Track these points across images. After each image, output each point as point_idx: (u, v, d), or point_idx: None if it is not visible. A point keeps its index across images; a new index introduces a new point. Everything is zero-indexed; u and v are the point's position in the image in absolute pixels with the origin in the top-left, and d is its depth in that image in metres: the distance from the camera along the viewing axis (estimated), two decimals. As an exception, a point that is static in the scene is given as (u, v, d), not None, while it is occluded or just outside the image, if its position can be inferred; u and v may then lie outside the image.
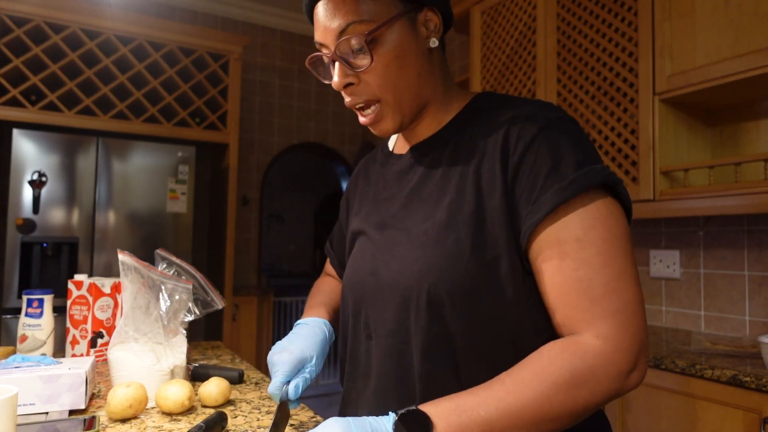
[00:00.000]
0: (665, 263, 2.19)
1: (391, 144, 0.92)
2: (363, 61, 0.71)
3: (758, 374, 1.38)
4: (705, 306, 2.06)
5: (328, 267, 1.07)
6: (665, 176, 1.91)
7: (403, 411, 0.60)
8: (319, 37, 0.74)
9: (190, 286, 1.12)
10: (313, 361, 0.82)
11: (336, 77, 0.73)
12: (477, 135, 0.74)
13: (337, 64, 0.73)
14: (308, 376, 0.81)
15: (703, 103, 1.95)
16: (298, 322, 0.91)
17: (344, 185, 5.03)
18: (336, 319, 0.95)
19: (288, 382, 0.79)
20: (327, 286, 1.02)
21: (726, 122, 2.03)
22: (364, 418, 0.62)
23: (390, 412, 0.62)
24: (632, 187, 1.97)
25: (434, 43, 0.75)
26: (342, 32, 0.70)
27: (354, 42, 0.70)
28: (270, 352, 0.84)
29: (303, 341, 0.84)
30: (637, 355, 0.62)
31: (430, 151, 0.79)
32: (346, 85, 0.74)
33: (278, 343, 0.85)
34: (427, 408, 0.61)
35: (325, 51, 0.74)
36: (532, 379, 0.61)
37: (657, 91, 1.90)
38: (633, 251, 0.66)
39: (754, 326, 1.90)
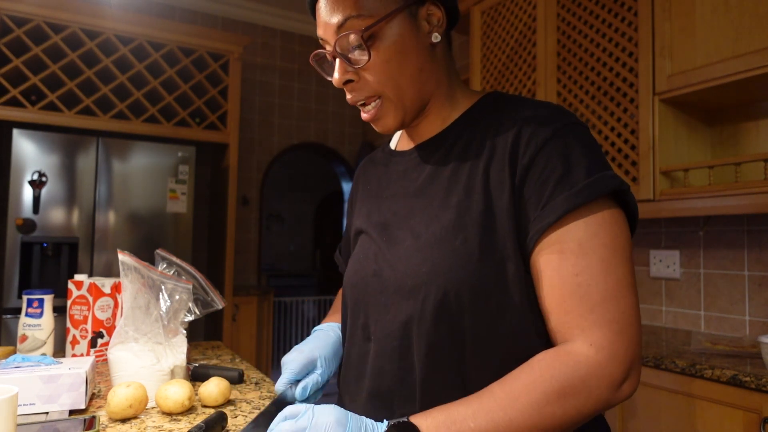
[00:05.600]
0: (665, 263, 2.19)
1: (393, 143, 0.90)
2: (362, 58, 0.70)
3: (758, 374, 1.38)
4: (705, 306, 2.06)
5: None
6: (665, 176, 1.90)
7: (393, 422, 0.61)
8: (320, 32, 0.73)
9: (190, 286, 1.12)
10: (323, 361, 0.83)
11: (336, 74, 0.72)
12: (487, 134, 0.72)
13: (337, 60, 0.71)
14: (319, 378, 0.81)
15: (703, 103, 1.95)
16: (315, 328, 0.93)
17: (344, 185, 5.02)
18: None
19: (298, 382, 0.80)
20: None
21: (726, 122, 2.03)
22: (363, 417, 0.62)
23: (384, 421, 0.63)
24: (632, 187, 1.97)
25: (436, 38, 0.73)
26: (340, 27, 0.69)
27: (352, 38, 0.69)
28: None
29: (315, 342, 0.86)
30: (630, 366, 0.62)
31: (437, 150, 0.77)
32: (346, 82, 0.72)
33: (294, 347, 0.87)
34: (418, 420, 0.61)
35: (327, 47, 0.73)
36: (521, 390, 0.61)
37: (657, 91, 1.89)
38: (633, 261, 0.66)
39: (754, 326, 1.90)
